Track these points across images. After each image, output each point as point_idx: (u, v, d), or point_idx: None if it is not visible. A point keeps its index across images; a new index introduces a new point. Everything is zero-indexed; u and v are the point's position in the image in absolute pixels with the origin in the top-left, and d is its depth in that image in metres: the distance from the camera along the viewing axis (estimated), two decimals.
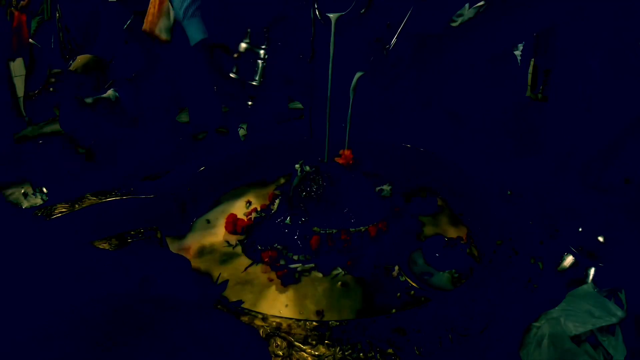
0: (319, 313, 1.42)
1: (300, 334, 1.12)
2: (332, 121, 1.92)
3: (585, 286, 1.20)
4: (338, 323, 1.17)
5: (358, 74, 1.86)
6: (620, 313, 1.09)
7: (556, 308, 1.18)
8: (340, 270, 1.62)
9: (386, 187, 2.11)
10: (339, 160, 1.95)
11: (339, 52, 1.76)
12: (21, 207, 1.69)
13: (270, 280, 1.58)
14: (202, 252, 1.76)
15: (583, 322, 1.10)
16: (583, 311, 1.12)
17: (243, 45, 1.88)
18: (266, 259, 1.65)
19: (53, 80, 2.36)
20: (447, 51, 2.25)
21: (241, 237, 1.82)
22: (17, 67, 2.17)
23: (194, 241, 1.82)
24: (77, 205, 1.67)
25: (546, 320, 1.15)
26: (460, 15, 1.87)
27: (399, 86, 2.48)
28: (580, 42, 1.84)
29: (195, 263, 1.66)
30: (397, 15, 1.87)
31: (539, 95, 2.27)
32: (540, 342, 1.11)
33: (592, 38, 1.77)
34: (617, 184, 1.64)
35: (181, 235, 1.84)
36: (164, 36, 2.01)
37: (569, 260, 1.39)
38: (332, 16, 1.73)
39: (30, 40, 2.39)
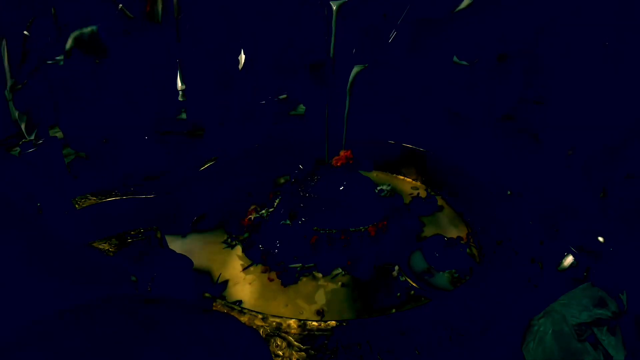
0: (320, 313, 1.42)
1: (300, 334, 1.12)
2: (333, 120, 1.91)
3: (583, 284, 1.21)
4: (337, 323, 1.17)
5: (356, 68, 1.76)
6: (614, 307, 1.09)
7: (555, 303, 1.18)
8: (340, 270, 1.62)
9: (386, 187, 2.11)
10: (338, 160, 1.94)
11: (339, 47, 1.71)
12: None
13: (271, 280, 1.58)
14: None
15: (579, 314, 1.11)
16: (580, 304, 1.13)
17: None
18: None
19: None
20: (445, 46, 2.24)
21: (242, 237, 1.82)
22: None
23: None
24: (77, 205, 1.67)
25: (547, 316, 1.15)
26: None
27: (398, 85, 2.47)
28: (580, 41, 1.84)
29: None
30: (395, 4, 1.80)
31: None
32: (543, 338, 1.11)
33: (592, 37, 1.77)
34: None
35: (182, 235, 1.85)
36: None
37: (568, 260, 1.39)
38: (334, 4, 1.66)
39: (25, 32, 2.39)
